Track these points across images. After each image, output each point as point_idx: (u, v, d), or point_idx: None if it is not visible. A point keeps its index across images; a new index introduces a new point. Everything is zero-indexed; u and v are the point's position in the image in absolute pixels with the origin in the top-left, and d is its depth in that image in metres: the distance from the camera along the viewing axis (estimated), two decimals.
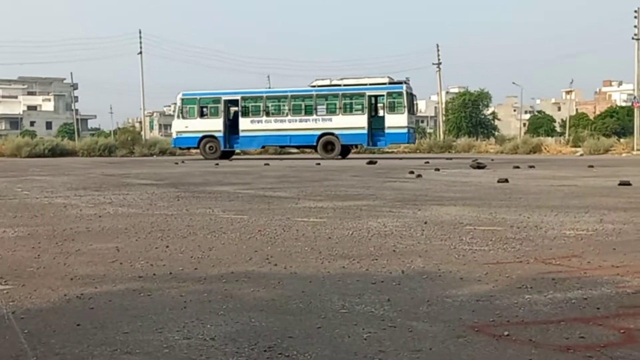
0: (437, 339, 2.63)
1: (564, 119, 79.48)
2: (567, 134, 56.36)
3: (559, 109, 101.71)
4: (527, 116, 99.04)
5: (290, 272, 3.97)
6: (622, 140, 44.78)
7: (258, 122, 30.25)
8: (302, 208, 7.51)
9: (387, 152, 36.03)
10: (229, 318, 2.97)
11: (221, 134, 30.37)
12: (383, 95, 29.18)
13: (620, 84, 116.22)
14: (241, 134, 30.32)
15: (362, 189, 10.33)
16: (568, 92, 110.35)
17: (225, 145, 30.48)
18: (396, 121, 28.72)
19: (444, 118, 72.66)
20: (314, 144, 29.63)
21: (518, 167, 17.38)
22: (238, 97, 30.81)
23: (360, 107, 29.26)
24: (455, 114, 78.92)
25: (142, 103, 52.54)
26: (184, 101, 31.64)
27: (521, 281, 3.62)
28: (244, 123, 30.22)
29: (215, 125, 30.68)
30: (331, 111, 29.78)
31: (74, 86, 70.70)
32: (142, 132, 50.66)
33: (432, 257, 4.40)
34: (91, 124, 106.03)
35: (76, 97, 73.81)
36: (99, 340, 2.69)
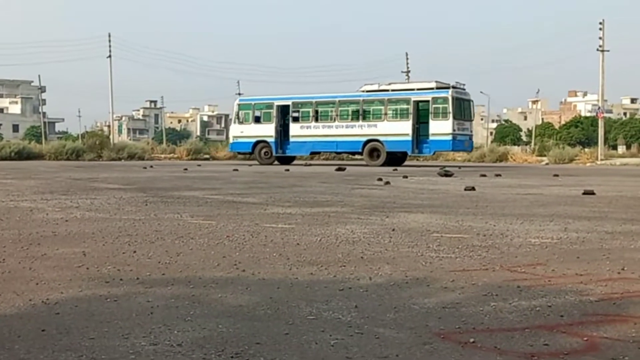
0: (404, 345, 2.65)
1: (530, 128, 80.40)
2: (533, 143, 56.98)
3: (525, 118, 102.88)
4: (494, 125, 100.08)
5: (258, 278, 3.97)
6: (586, 150, 45.47)
7: (307, 127, 29.95)
8: (270, 214, 7.51)
9: (356, 160, 36.09)
10: (196, 324, 2.96)
11: (273, 140, 30.09)
12: (428, 101, 27.75)
13: (585, 94, 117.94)
14: (291, 139, 29.99)
15: (331, 196, 10.35)
16: (534, 102, 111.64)
17: (277, 151, 30.15)
18: (441, 128, 27.45)
19: None
20: (360, 150, 28.90)
21: (485, 176, 17.54)
22: (289, 102, 30.56)
23: (405, 113, 28.18)
24: None
25: (111, 107, 52.15)
26: (240, 106, 31.64)
27: (487, 288, 3.66)
28: (294, 129, 29.99)
29: (268, 130, 30.49)
30: (377, 117, 28.90)
31: (42, 89, 69.82)
32: (111, 136, 50.24)
33: (400, 264, 4.43)
34: (59, 127, 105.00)
35: (44, 100, 72.87)
36: (64, 345, 2.66)
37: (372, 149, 28.28)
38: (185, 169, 21.70)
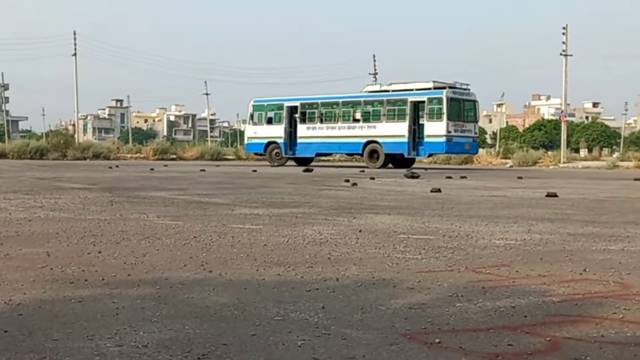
0: (370, 346, 2.67)
1: (495, 131, 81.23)
2: (497, 146, 57.59)
3: (490, 121, 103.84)
4: None
5: (225, 279, 3.96)
6: (549, 152, 46.07)
7: (313, 129, 29.63)
8: (238, 215, 7.49)
9: (325, 160, 36.14)
10: (162, 325, 2.94)
11: (282, 141, 29.88)
12: (424, 102, 26.99)
13: (548, 98, 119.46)
14: (298, 140, 29.72)
15: (298, 197, 10.35)
16: (499, 105, 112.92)
17: (287, 152, 29.89)
18: (435, 129, 26.57)
19: None
20: (360, 152, 28.39)
21: (450, 178, 17.69)
22: (297, 103, 30.28)
23: (402, 114, 27.37)
24: None
25: (76, 105, 51.59)
26: (254, 107, 31.39)
27: (452, 289, 3.70)
28: (301, 130, 29.74)
29: (278, 131, 30.25)
30: (376, 118, 28.25)
31: (5, 87, 68.81)
32: (76, 135, 49.69)
33: (367, 265, 4.45)
34: (22, 125, 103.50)
35: (7, 98, 71.90)
36: (27, 347, 2.63)
37: (371, 151, 27.80)
38: (152, 169, 21.55)
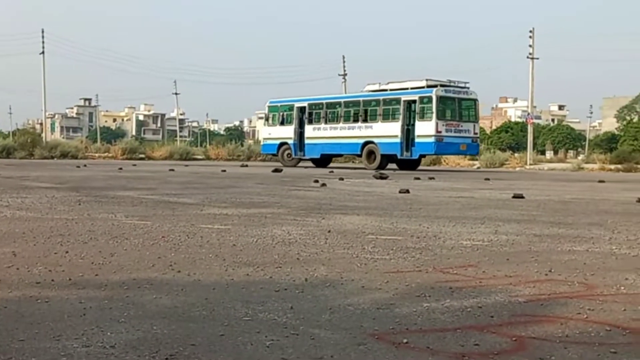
0: (339, 346, 2.68)
1: None
2: None
3: None
4: None
5: (193, 279, 3.95)
6: (516, 154, 46.58)
7: (318, 129, 29.30)
8: (206, 215, 7.47)
9: (340, 161, 36.11)
10: (130, 325, 2.93)
11: (292, 142, 29.65)
12: (416, 101, 26.21)
13: (515, 100, 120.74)
14: (306, 141, 29.42)
15: (267, 197, 10.35)
16: None
17: (297, 153, 29.64)
18: (424, 129, 25.69)
19: None
20: (359, 152, 27.80)
21: (419, 179, 17.80)
22: (305, 104, 29.91)
23: (397, 113, 26.65)
24: None
25: (44, 104, 51.04)
26: (269, 108, 31.21)
27: (420, 289, 3.73)
28: (308, 130, 29.48)
29: (289, 132, 30.02)
30: (373, 118, 27.71)
31: None
32: (43, 134, 49.12)
33: (335, 265, 4.46)
34: None
35: None
36: None
37: (369, 152, 27.30)
38: (120, 169, 21.38)
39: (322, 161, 29.74)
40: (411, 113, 26.47)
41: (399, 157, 26.73)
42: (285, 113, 30.90)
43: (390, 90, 27.70)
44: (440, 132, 25.66)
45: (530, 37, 43.64)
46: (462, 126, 26.33)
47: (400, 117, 26.41)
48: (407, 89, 26.98)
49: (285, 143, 30.27)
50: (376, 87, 28.64)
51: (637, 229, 6.73)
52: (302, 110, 30.19)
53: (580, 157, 58.59)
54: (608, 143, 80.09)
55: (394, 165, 27.42)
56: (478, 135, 27.71)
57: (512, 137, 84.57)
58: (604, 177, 23.08)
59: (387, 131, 26.80)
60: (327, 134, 29.00)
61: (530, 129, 44.43)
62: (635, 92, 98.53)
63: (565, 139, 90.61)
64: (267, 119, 31.50)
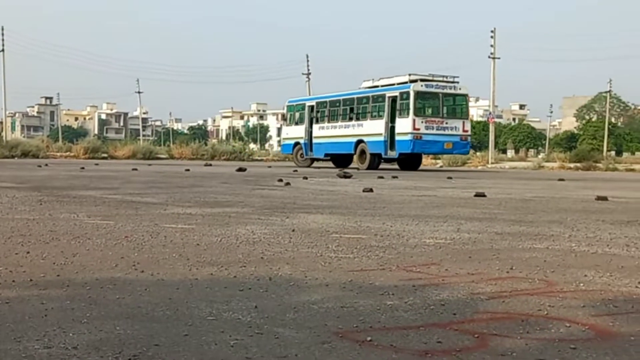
0: (303, 345, 2.69)
1: None
2: None
3: None
4: None
5: (157, 279, 3.93)
6: (478, 153, 47.10)
7: (323, 128, 28.61)
8: (170, 214, 7.43)
9: (257, 160, 36.06)
10: (93, 326, 2.90)
11: (303, 141, 29.02)
12: (397, 97, 25.06)
13: (477, 100, 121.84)
14: (314, 140, 28.74)
15: (231, 196, 10.32)
16: None
17: (307, 153, 29.02)
18: (402, 126, 24.62)
19: None
20: (353, 152, 26.83)
21: (382, 178, 17.89)
22: (314, 102, 29.27)
23: (382, 110, 25.62)
24: None
25: (4, 103, 50.42)
26: (287, 108, 30.57)
27: (384, 288, 3.75)
28: (315, 129, 28.82)
29: (301, 132, 29.37)
30: (363, 116, 26.81)
31: None
32: (3, 133, 48.41)
33: (299, 264, 4.47)
34: None
35: None
36: None
37: (361, 151, 26.49)
38: (82, 168, 21.13)
39: (340, 161, 28.35)
40: (394, 110, 25.50)
41: (383, 156, 25.80)
42: (299, 112, 30.27)
43: (381, 86, 26.83)
44: (418, 129, 24.38)
45: (492, 37, 44.13)
46: (447, 123, 24.95)
47: (384, 114, 25.57)
48: (393, 84, 26.12)
49: (298, 143, 29.67)
50: (369, 83, 27.77)
51: (596, 227, 6.86)
52: (311, 109, 29.57)
53: (541, 155, 59.45)
54: (568, 142, 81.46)
55: (388, 165, 27.12)
56: (469, 133, 26.00)
57: (474, 136, 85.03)
58: (564, 175, 23.43)
59: (374, 129, 25.96)
60: (329, 132, 28.40)
61: (491, 128, 44.95)
62: (594, 92, 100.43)
63: (526, 138, 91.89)
64: (285, 119, 30.99)
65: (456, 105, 25.76)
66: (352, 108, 27.77)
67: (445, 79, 25.65)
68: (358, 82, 28.37)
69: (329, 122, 28.76)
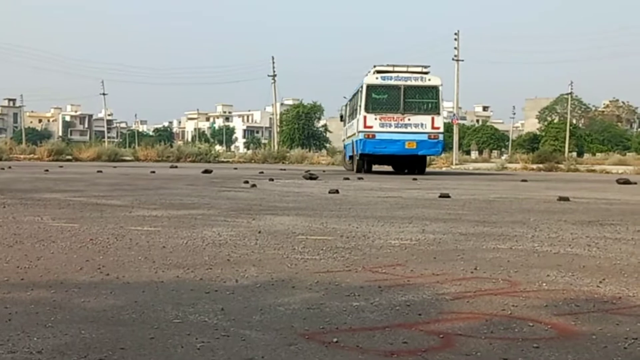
0: (270, 347, 2.70)
1: None
2: None
3: None
4: None
5: (122, 282, 3.91)
6: (442, 155, 47.44)
7: (348, 128, 26.50)
8: (136, 217, 7.37)
9: (223, 162, 35.89)
10: (58, 330, 2.88)
11: (344, 143, 27.46)
12: (357, 93, 23.34)
13: None
14: (344, 142, 27.10)
15: (197, 198, 10.28)
16: None
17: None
18: (356, 125, 22.76)
19: (278, 129, 73.82)
20: (351, 153, 24.69)
21: (348, 179, 17.94)
22: (347, 102, 27.32)
23: (356, 108, 23.78)
24: (289, 126, 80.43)
25: None
26: (342, 109, 28.78)
27: (350, 289, 3.78)
28: (344, 130, 27.44)
29: (344, 133, 27.88)
30: (352, 116, 25.11)
31: None
32: None
33: (266, 266, 4.48)
34: None
35: None
36: None
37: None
38: (47, 170, 20.87)
39: (399, 164, 25.08)
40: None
41: (350, 156, 24.21)
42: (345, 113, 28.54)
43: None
44: (370, 127, 21.75)
45: (455, 39, 44.51)
46: (409, 120, 21.83)
47: (357, 112, 23.60)
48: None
49: (345, 145, 27.89)
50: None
51: (558, 227, 6.96)
52: (345, 108, 28.24)
53: (504, 156, 60.12)
54: (530, 143, 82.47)
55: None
56: (440, 131, 22.48)
57: None
58: (527, 176, 23.71)
59: (352, 129, 24.56)
60: (348, 133, 26.88)
61: (455, 130, 45.35)
62: (556, 94, 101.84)
63: (489, 139, 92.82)
64: (342, 120, 29.08)
65: (423, 98, 22.19)
66: (348, 109, 27.06)
67: (408, 70, 22.43)
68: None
69: (348, 121, 27.20)
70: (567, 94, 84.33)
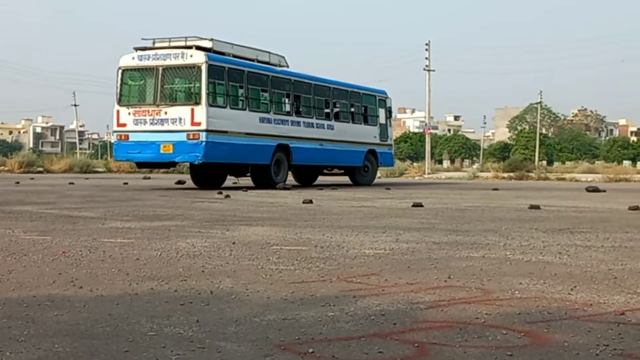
0: (245, 358, 2.70)
1: None
2: None
3: None
4: None
5: (96, 294, 3.89)
6: (415, 164, 47.74)
7: None
8: (109, 228, 7.33)
9: None
10: (31, 344, 2.86)
11: None
12: None
13: (413, 111, 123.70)
14: None
15: (171, 209, 10.23)
16: None
17: None
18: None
19: None
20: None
21: (322, 189, 17.97)
22: None
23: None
24: None
25: None
26: None
27: (325, 299, 3.79)
28: None
29: None
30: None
31: None
32: None
33: (241, 277, 4.48)
34: None
35: None
36: None
37: None
38: (18, 183, 20.61)
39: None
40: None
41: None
42: None
43: None
44: (123, 125, 16.27)
45: (426, 49, 44.82)
46: (166, 113, 15.86)
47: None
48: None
49: None
50: None
51: (530, 235, 7.03)
52: None
53: (475, 165, 60.60)
54: (501, 152, 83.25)
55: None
56: (201, 128, 15.69)
57: (411, 147, 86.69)
58: (498, 185, 23.92)
59: None
60: None
61: (428, 139, 45.59)
62: (525, 103, 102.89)
63: (461, 148, 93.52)
64: None
65: (183, 83, 16.55)
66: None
67: (170, 44, 16.49)
68: None
69: None
70: (537, 103, 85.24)
